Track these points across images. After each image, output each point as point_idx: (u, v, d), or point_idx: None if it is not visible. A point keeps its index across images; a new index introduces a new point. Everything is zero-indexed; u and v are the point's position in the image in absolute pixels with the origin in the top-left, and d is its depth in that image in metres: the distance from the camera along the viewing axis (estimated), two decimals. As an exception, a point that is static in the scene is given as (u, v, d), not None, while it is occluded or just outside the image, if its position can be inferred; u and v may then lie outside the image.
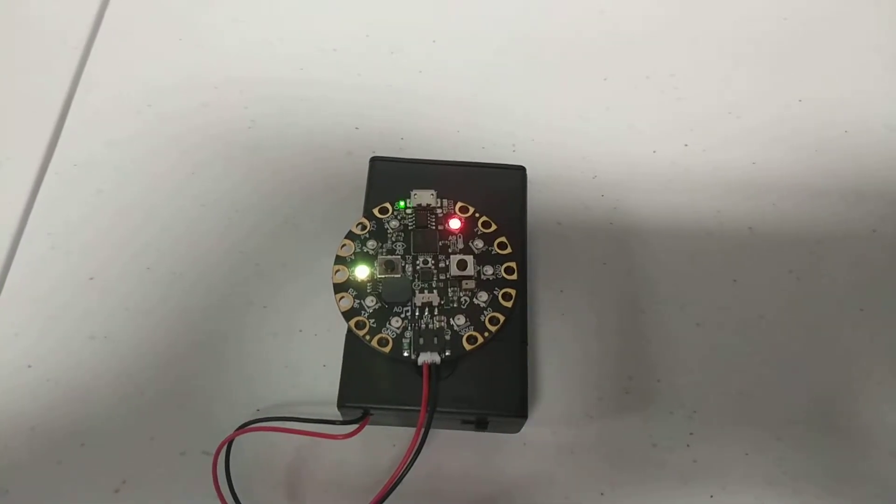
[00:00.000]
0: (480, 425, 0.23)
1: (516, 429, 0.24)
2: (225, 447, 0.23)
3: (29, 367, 0.26)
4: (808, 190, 0.30)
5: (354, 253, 0.24)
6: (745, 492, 0.24)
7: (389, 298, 0.23)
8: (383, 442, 0.24)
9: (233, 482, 0.23)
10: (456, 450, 0.24)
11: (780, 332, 0.27)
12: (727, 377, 0.26)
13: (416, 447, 0.21)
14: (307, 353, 0.26)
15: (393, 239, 0.24)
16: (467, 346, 0.23)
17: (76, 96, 0.32)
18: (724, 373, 0.26)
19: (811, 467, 0.25)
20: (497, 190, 0.26)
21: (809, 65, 0.34)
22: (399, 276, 0.24)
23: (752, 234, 0.29)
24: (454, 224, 0.25)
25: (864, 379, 0.26)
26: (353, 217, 0.25)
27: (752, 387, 0.26)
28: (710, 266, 0.28)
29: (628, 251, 0.29)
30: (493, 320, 0.23)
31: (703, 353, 0.27)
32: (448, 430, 0.25)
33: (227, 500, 0.23)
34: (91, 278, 0.27)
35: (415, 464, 0.21)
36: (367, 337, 0.23)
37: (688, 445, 0.25)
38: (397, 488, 0.21)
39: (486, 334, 0.23)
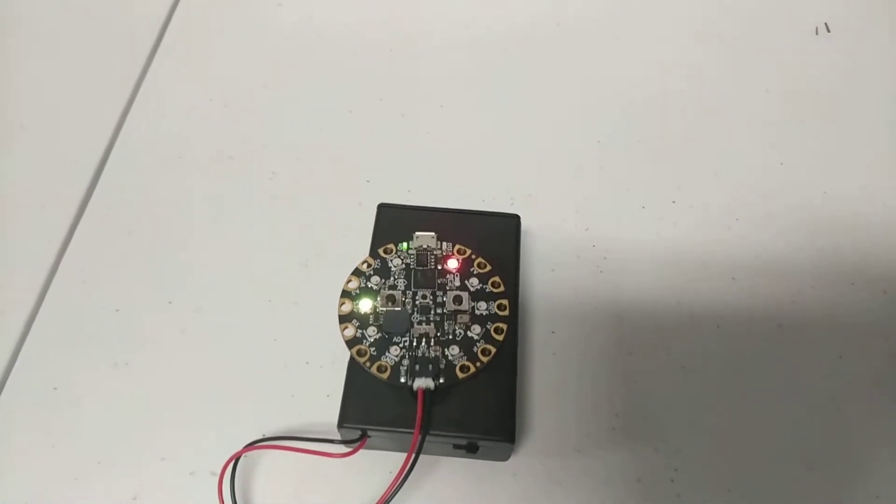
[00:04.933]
0: (471, 450, 0.25)
1: (505, 456, 0.25)
2: (231, 464, 0.25)
3: (55, 389, 0.28)
4: (788, 245, 0.32)
5: (359, 288, 0.26)
6: (727, 527, 0.25)
7: (389, 329, 0.25)
8: (380, 468, 0.26)
9: (236, 500, 0.24)
10: (448, 478, 0.26)
11: (762, 377, 0.28)
12: (711, 417, 0.27)
13: (408, 465, 0.23)
14: (312, 384, 0.28)
15: (395, 276, 0.26)
16: (460, 375, 0.24)
17: (115, 147, 0.35)
18: (708, 413, 0.28)
19: (792, 506, 0.26)
20: (493, 235, 0.28)
21: (790, 131, 0.36)
22: (399, 308, 0.26)
23: (735, 284, 0.31)
24: (452, 264, 0.27)
25: (844, 421, 0.27)
26: (361, 260, 0.27)
27: (735, 426, 0.27)
28: (695, 312, 0.30)
29: (617, 297, 0.30)
30: (486, 352, 0.25)
31: (687, 393, 0.28)
32: (441, 459, 0.26)
33: (230, 517, 0.24)
34: (117, 310, 0.30)
35: (409, 491, 0.23)
36: (368, 364, 0.24)
37: (672, 481, 0.26)
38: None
39: (479, 364, 0.24)
